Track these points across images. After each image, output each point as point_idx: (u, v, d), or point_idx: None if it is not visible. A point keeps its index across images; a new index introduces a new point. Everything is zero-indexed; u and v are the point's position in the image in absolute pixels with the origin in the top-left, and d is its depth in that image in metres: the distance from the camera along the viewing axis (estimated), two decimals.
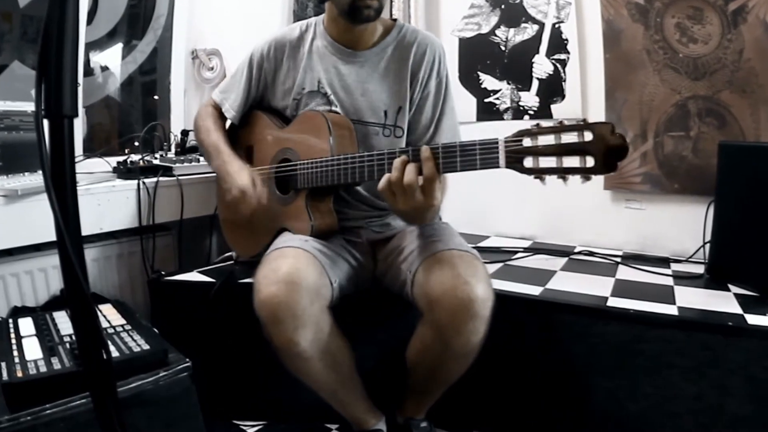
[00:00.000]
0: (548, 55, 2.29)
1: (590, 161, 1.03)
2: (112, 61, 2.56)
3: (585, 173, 1.04)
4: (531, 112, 2.36)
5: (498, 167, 1.14)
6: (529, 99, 2.34)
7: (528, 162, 1.10)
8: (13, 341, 1.29)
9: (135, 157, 2.12)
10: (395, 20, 1.63)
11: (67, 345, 1.27)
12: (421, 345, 1.41)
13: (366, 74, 1.57)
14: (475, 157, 1.17)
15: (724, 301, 1.57)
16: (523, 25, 2.33)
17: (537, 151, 1.08)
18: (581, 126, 1.04)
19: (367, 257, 1.60)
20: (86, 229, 0.81)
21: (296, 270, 1.31)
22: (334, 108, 1.57)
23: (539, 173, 1.09)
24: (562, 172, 1.06)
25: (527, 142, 1.09)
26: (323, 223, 1.52)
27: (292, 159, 1.56)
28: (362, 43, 1.57)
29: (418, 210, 1.24)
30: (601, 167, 1.03)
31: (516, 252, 2.17)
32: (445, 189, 1.45)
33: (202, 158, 2.16)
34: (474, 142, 1.17)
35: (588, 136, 1.03)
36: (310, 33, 1.63)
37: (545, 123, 1.09)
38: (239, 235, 1.82)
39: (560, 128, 1.06)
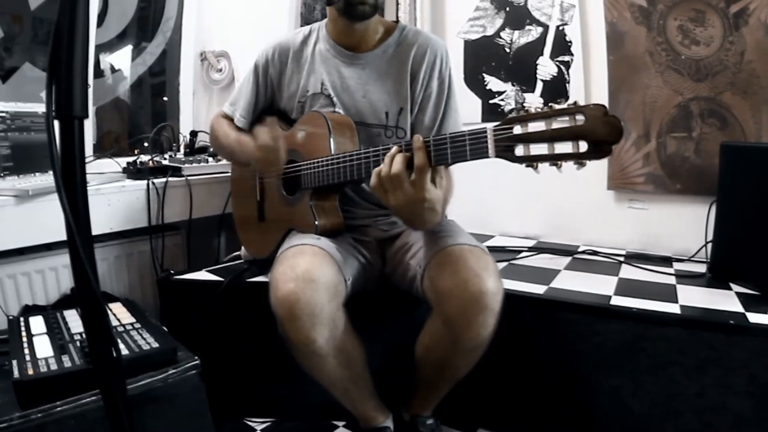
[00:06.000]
0: (552, 56, 2.28)
1: (583, 146, 0.96)
2: (121, 62, 2.57)
3: (578, 159, 0.97)
4: None
5: (487, 157, 1.08)
6: (534, 100, 2.33)
7: (519, 150, 1.03)
8: (24, 339, 1.29)
9: (144, 158, 2.12)
10: (397, 22, 1.62)
11: (78, 343, 1.27)
12: (430, 340, 1.41)
13: (367, 76, 1.56)
14: (465, 147, 1.11)
15: (726, 300, 1.57)
16: (527, 27, 2.32)
17: (527, 138, 1.02)
18: (572, 109, 0.97)
19: (375, 255, 1.60)
20: (96, 229, 0.81)
21: (314, 267, 1.30)
22: (337, 110, 1.56)
23: (530, 161, 1.02)
24: (554, 159, 1.00)
25: (518, 129, 1.03)
26: (328, 222, 1.51)
27: (297, 160, 1.55)
28: (363, 45, 1.57)
29: (411, 203, 1.19)
30: (594, 152, 0.96)
31: (520, 251, 2.17)
32: (450, 189, 1.43)
33: (211, 159, 2.17)
34: (464, 133, 1.12)
35: (580, 119, 0.96)
36: (313, 37, 1.63)
37: (534, 108, 1.03)
38: (252, 235, 1.81)
39: (551, 113, 1.00)
